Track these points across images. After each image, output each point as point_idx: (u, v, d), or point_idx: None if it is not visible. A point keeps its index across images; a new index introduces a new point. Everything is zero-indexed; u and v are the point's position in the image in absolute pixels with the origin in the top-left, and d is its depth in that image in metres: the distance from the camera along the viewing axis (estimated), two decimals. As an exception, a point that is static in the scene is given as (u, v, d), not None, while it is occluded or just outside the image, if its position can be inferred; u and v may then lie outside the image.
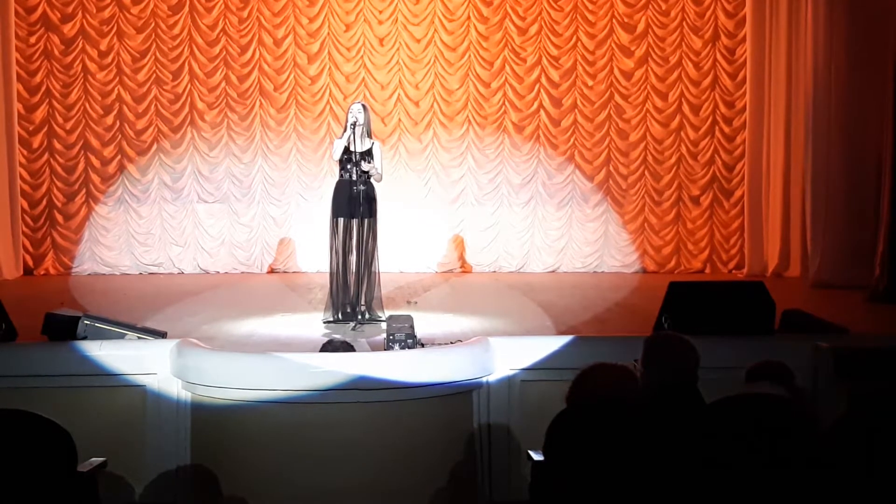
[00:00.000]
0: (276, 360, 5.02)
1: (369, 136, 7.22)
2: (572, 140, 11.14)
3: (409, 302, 8.46)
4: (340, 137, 7.19)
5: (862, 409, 3.27)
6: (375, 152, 7.19)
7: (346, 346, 5.51)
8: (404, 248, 10.59)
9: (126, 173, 11.01)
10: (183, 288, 9.54)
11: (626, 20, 11.08)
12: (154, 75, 10.99)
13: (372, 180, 7.17)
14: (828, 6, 9.45)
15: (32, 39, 10.86)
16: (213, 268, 11.03)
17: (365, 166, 7.07)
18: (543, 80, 11.11)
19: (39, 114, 10.92)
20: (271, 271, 11.01)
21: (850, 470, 3.07)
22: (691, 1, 11.03)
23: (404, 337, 5.75)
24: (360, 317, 7.11)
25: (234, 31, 11.05)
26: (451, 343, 5.83)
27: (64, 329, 5.47)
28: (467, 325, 7.07)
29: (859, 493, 3.04)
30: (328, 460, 4.82)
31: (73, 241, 10.98)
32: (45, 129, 10.94)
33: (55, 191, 10.99)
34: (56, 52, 10.90)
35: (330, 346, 5.47)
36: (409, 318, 6.41)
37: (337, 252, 7.18)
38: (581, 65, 11.10)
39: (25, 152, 10.89)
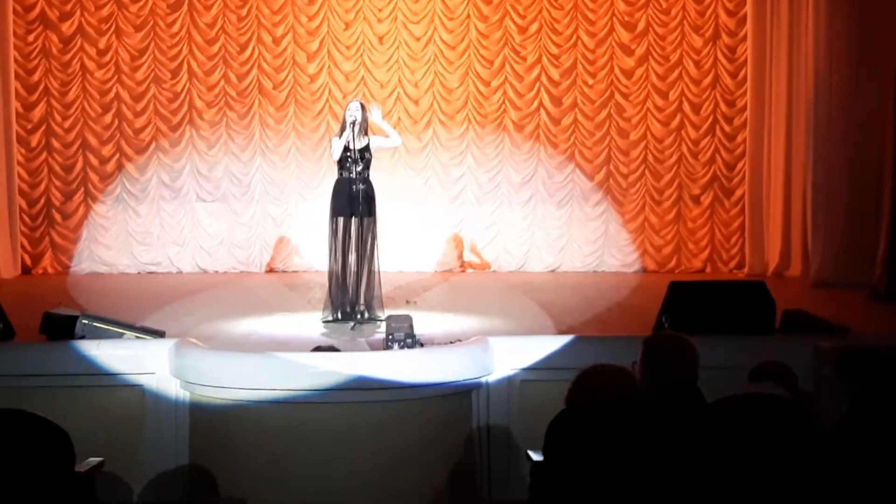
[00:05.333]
0: (274, 359, 5.01)
1: (365, 133, 7.22)
2: (572, 139, 11.12)
3: (408, 301, 8.43)
4: (339, 136, 7.18)
5: (863, 409, 3.25)
6: (377, 142, 7.24)
7: (332, 350, 5.50)
8: (404, 248, 10.56)
9: (124, 172, 10.98)
10: (181, 287, 9.52)
11: (626, 18, 11.05)
12: (153, 74, 10.96)
13: (389, 145, 7.48)
14: (829, 4, 9.43)
15: (31, 37, 10.83)
16: (211, 267, 11.00)
17: (385, 139, 7.31)
18: (543, 78, 11.09)
19: (38, 112, 10.89)
20: (270, 270, 10.99)
21: (852, 470, 3.05)
22: (692, -1, 11.02)
23: (403, 336, 5.73)
24: (359, 316, 7.10)
25: (232, 29, 11.02)
26: (451, 343, 5.82)
27: (62, 328, 5.46)
28: (467, 325, 7.05)
29: (861, 493, 3.03)
30: (327, 460, 4.81)
31: (71, 240, 10.94)
32: (44, 127, 10.91)
33: (53, 189, 10.96)
34: (54, 51, 10.87)
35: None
36: (409, 318, 6.38)
37: (336, 251, 7.17)
38: (581, 63, 11.08)
39: (24, 151, 10.86)
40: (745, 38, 10.84)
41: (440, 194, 11.13)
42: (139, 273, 10.90)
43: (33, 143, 10.89)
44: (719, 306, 5.41)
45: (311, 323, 7.17)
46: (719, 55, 11.02)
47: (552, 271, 11.02)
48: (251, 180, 11.07)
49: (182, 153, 11.02)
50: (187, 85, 10.99)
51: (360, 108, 7.18)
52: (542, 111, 11.09)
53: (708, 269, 11.08)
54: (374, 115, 7.25)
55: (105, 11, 10.89)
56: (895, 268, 8.60)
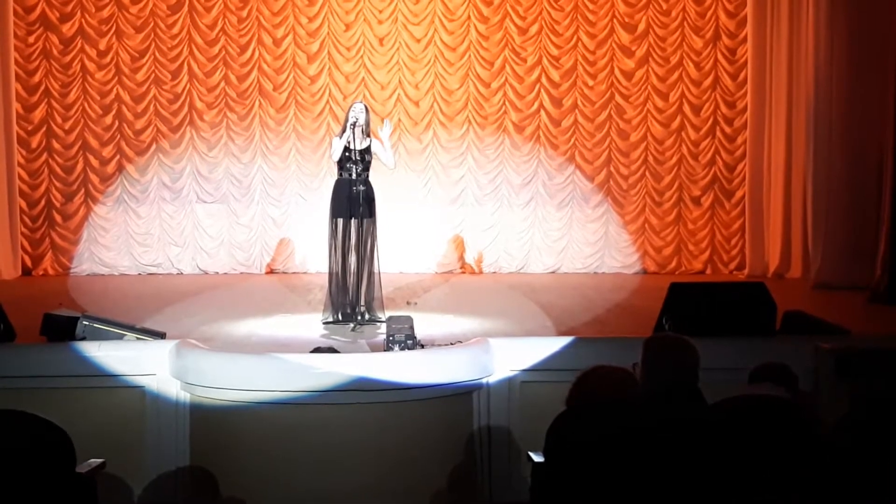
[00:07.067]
0: (275, 360, 5.01)
1: (367, 135, 7.21)
2: (573, 140, 11.12)
3: (408, 303, 8.43)
4: (339, 137, 7.17)
5: (863, 410, 3.25)
6: (378, 148, 7.21)
7: (331, 351, 5.50)
8: (404, 249, 10.56)
9: (125, 173, 10.99)
10: (182, 288, 9.52)
11: (626, 20, 11.06)
12: (153, 75, 10.97)
13: (383, 161, 7.21)
14: (829, 6, 9.43)
15: (31, 39, 10.84)
16: (212, 268, 11.00)
17: (382, 152, 7.17)
18: (544, 80, 11.09)
19: (38, 113, 10.89)
20: (270, 272, 10.99)
21: (852, 471, 3.05)
22: (692, 1, 11.01)
23: (404, 338, 5.72)
24: (359, 317, 7.09)
25: (233, 30, 11.03)
26: (451, 344, 5.81)
27: (62, 330, 5.46)
28: (467, 326, 7.05)
29: (861, 494, 3.03)
30: (327, 462, 4.80)
31: (71, 242, 10.95)
32: (44, 128, 10.92)
33: (54, 191, 10.97)
34: (55, 52, 10.88)
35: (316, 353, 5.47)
36: (409, 319, 6.38)
37: (336, 252, 7.16)
38: (581, 65, 11.08)
39: (24, 152, 10.86)
40: (745, 40, 10.85)
41: (440, 196, 11.13)
42: (139, 274, 10.90)
43: (34, 145, 10.90)
44: (720, 308, 5.40)
45: (312, 324, 7.17)
46: (719, 57, 11.03)
47: (552, 272, 11.02)
48: (251, 181, 11.08)
49: (182, 154, 11.02)
50: (188, 86, 11.00)
51: (363, 110, 7.15)
52: (543, 112, 11.10)
53: (708, 271, 11.08)
54: (384, 132, 7.22)
55: (105, 13, 10.90)
56: (895, 269, 8.60)
